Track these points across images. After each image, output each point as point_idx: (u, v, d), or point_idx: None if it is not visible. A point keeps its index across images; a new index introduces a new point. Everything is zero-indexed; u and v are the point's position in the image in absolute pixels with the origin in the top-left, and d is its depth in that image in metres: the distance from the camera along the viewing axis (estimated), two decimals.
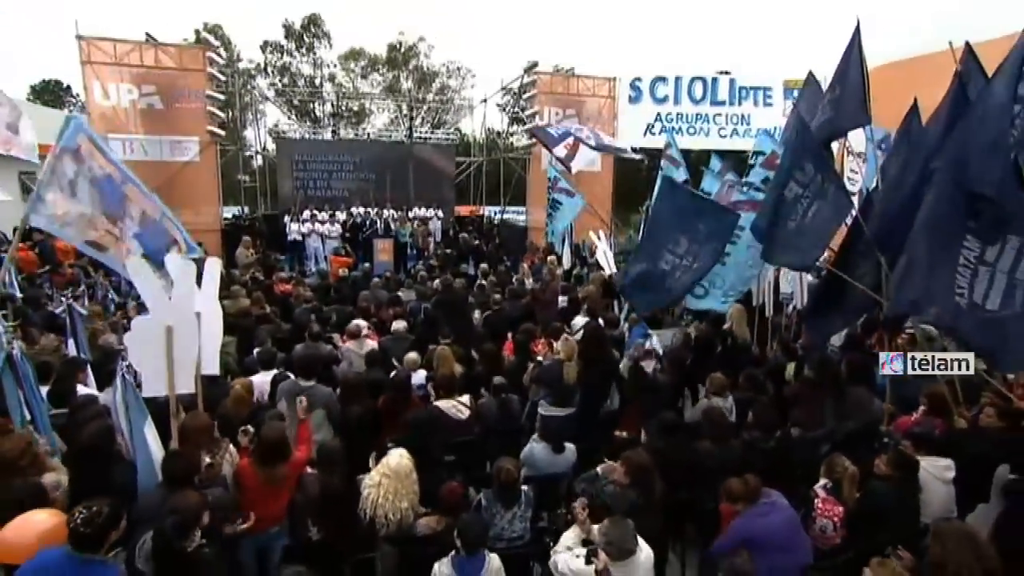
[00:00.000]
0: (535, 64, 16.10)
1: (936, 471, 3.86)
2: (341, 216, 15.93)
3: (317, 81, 34.00)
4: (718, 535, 3.60)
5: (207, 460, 3.15)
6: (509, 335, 6.60)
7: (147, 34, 13.75)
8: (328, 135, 21.32)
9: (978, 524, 3.74)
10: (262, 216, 17.77)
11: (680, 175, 8.32)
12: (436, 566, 2.86)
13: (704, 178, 8.65)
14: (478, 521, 3.03)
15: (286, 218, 15.86)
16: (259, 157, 21.08)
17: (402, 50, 35.08)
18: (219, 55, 15.27)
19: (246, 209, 19.02)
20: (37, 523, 2.51)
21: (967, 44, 4.47)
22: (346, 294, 9.13)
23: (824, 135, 5.08)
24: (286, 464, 3.43)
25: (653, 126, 16.67)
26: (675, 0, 55.62)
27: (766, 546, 3.32)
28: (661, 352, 5.88)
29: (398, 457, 3.25)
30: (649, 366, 5.45)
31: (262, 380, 5.11)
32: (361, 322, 6.45)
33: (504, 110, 19.32)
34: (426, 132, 25.27)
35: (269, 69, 33.58)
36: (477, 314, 7.75)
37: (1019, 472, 3.58)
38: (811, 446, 4.45)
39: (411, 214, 16.97)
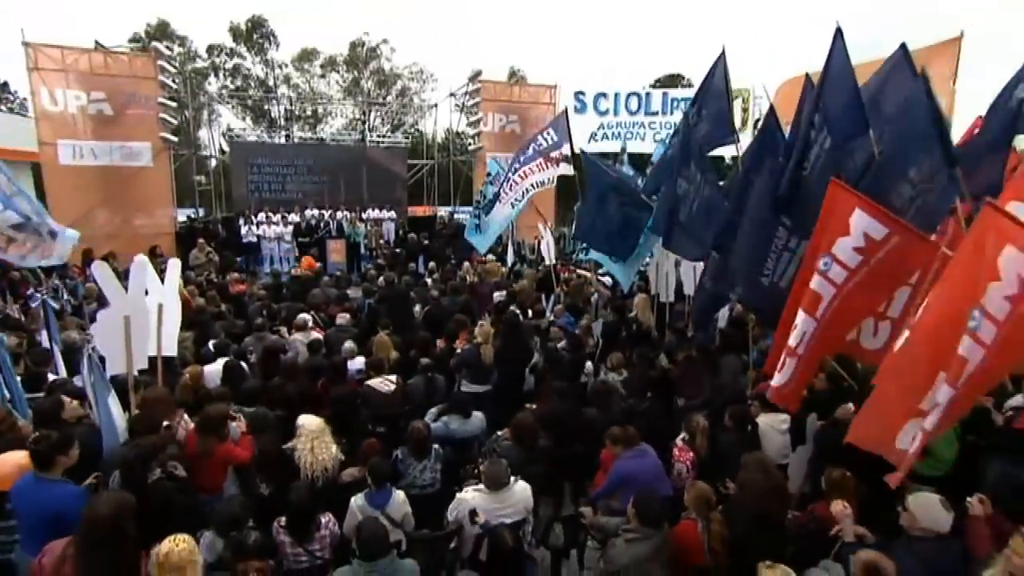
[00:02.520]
0: (479, 72, 16.95)
1: (774, 424, 4.80)
2: (294, 218, 16.34)
3: (271, 82, 33.84)
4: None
5: (165, 423, 3.82)
6: None
7: (96, 41, 13.93)
8: (283, 137, 21.58)
9: (799, 461, 4.72)
10: (221, 218, 17.98)
11: (628, 170, 10.16)
12: (352, 500, 3.60)
13: None
14: (384, 463, 3.78)
15: (240, 220, 16.20)
16: (213, 159, 21.22)
17: (364, 50, 35.14)
18: (171, 64, 15.45)
19: (201, 211, 19.19)
20: (16, 457, 3.23)
21: (807, 75, 5.46)
22: (297, 292, 9.72)
23: (698, 145, 5.96)
24: (218, 443, 3.86)
25: (596, 134, 18.53)
26: (639, 8, 57.00)
27: (638, 482, 4.14)
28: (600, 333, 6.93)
29: (310, 420, 3.97)
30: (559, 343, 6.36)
31: (216, 369, 5.73)
32: (306, 316, 7.10)
33: (462, 110, 19.97)
34: (386, 132, 25.65)
35: (220, 72, 33.23)
36: (419, 308, 8.48)
37: (824, 420, 4.55)
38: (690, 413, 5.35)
39: (364, 215, 17.52)
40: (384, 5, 52.40)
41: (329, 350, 6.40)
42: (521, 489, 3.73)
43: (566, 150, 8.39)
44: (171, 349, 4.56)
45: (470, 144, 20.08)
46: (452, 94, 19.10)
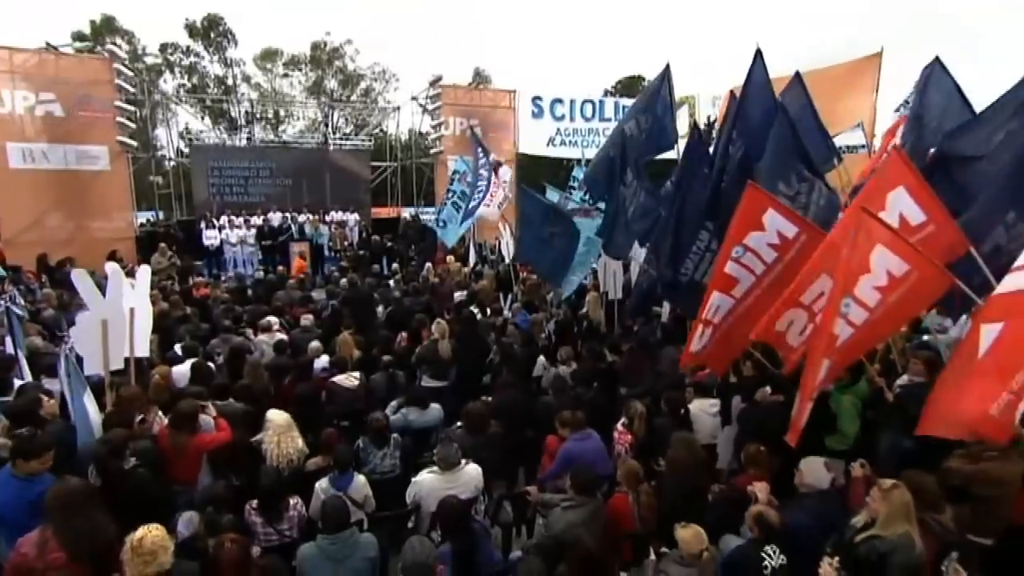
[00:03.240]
0: (440, 77, 17.29)
1: (706, 408, 5.32)
2: (257, 221, 16.29)
3: (230, 81, 33.17)
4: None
5: (140, 417, 4.08)
6: None
7: (47, 43, 13.68)
8: (244, 138, 21.34)
9: (727, 440, 5.23)
10: (176, 222, 17.74)
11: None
12: (317, 484, 3.94)
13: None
14: (347, 450, 4.13)
15: (202, 224, 16.03)
16: (171, 161, 20.87)
17: (327, 50, 34.72)
18: (126, 66, 15.19)
19: (160, 214, 18.90)
20: None
21: (731, 91, 5.99)
22: (262, 295, 9.88)
23: (636, 155, 6.44)
24: (192, 436, 4.03)
25: (554, 139, 19.19)
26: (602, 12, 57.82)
27: (584, 462, 4.55)
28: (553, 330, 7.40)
29: (277, 415, 4.28)
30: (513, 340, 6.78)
31: (183, 370, 5.91)
32: (272, 318, 7.34)
33: (424, 112, 20.22)
34: (349, 133, 25.54)
35: (176, 70, 32.39)
36: (381, 309, 8.78)
37: (748, 402, 5.07)
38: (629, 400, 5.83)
39: (327, 218, 17.61)
40: (349, 4, 51.94)
41: (294, 351, 6.66)
42: (472, 470, 4.12)
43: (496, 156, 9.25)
44: (143, 350, 4.82)
45: (432, 147, 20.40)
46: (414, 97, 19.43)
